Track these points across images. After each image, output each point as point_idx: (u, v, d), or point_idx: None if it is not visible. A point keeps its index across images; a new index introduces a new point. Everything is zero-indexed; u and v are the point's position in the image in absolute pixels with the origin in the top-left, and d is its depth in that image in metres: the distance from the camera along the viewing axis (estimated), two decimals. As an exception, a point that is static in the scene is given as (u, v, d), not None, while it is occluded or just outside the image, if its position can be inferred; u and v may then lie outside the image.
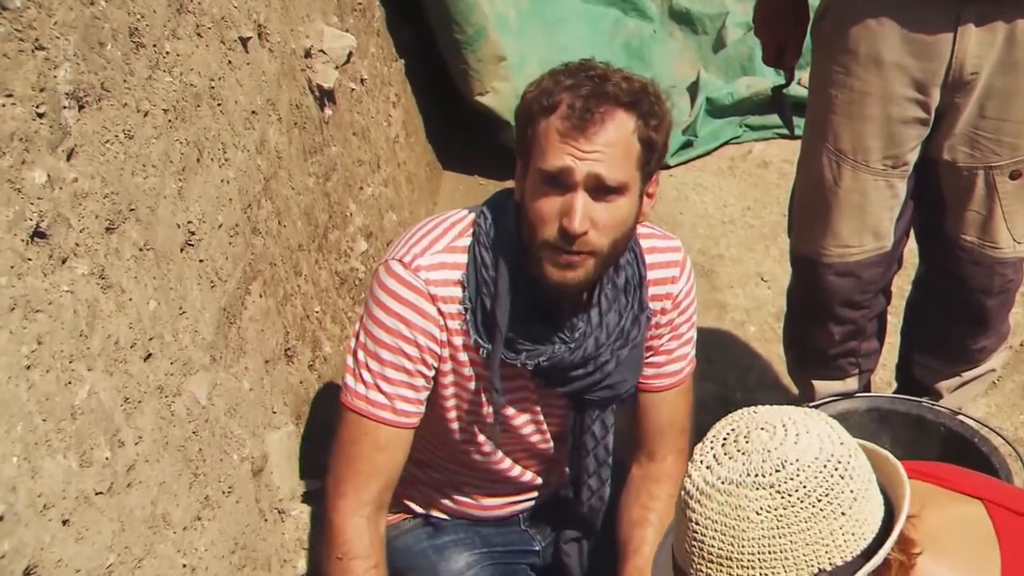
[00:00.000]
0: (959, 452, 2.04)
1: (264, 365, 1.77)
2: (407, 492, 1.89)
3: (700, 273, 3.23)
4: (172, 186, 1.45)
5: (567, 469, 1.84)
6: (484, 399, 1.69)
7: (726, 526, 1.07)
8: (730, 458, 1.09)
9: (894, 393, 2.41)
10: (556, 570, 1.92)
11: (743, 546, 1.07)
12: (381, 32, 3.12)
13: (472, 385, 1.69)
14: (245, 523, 1.60)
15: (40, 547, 1.07)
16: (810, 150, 2.08)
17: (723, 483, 1.08)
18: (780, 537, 1.06)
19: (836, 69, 1.96)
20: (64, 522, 1.11)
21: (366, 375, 1.63)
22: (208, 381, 1.50)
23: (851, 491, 1.08)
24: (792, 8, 2.08)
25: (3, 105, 1.05)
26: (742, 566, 1.07)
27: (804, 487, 1.06)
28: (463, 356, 1.66)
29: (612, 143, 1.50)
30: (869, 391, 2.40)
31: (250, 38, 1.84)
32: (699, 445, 1.14)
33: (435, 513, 1.91)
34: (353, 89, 2.67)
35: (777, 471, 1.07)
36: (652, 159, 1.56)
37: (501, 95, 3.43)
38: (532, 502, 1.93)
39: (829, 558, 1.07)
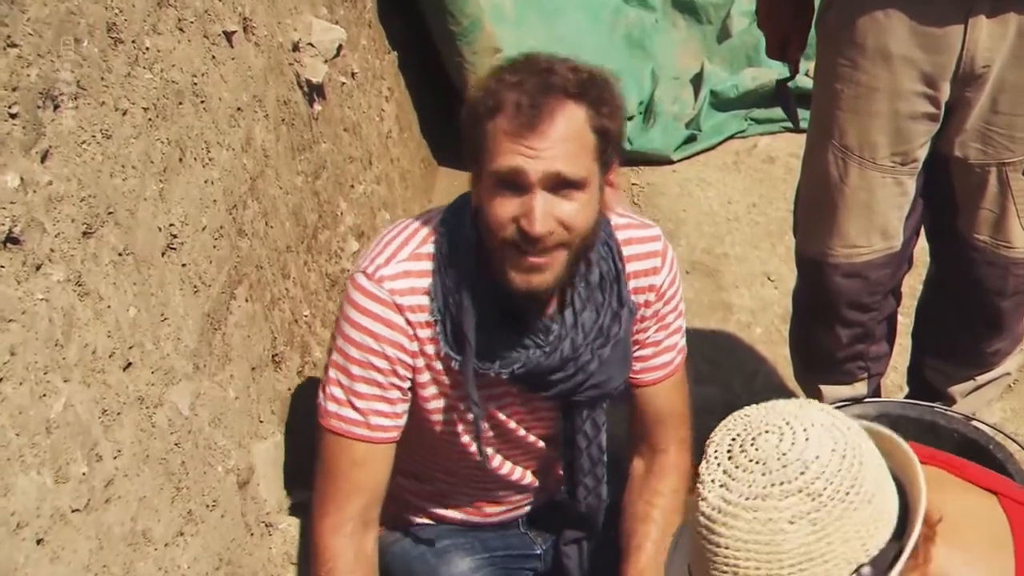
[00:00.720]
0: (973, 459, 2.03)
1: (250, 372, 1.76)
2: (403, 507, 1.89)
3: (704, 272, 3.23)
4: (153, 187, 1.44)
5: (561, 471, 1.84)
6: (465, 407, 1.69)
7: (760, 543, 1.06)
8: (744, 471, 1.08)
9: (905, 398, 2.40)
10: (557, 574, 1.92)
11: (782, 559, 1.05)
12: (373, 23, 3.12)
13: (453, 393, 1.69)
14: (230, 538, 1.59)
15: (14, 568, 1.06)
16: (815, 147, 2.07)
17: (747, 499, 1.06)
18: (818, 541, 1.05)
19: (842, 63, 1.95)
20: (38, 541, 1.10)
21: (338, 392, 1.64)
22: (191, 390, 1.50)
23: (872, 477, 1.08)
24: None
25: (-27, 106, 1.04)
26: None
27: (831, 484, 1.06)
28: (438, 365, 1.66)
29: (565, 137, 1.48)
30: (879, 396, 2.39)
31: (235, 32, 1.83)
32: (703, 464, 1.12)
33: (432, 522, 1.92)
34: (343, 83, 2.66)
35: (802, 474, 1.06)
36: (609, 148, 1.54)
37: (498, 88, 3.42)
38: (530, 505, 1.94)
39: (865, 549, 1.07)
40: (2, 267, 1.08)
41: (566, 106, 1.49)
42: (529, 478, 1.88)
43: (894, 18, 1.87)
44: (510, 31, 3.52)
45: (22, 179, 1.12)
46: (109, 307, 1.29)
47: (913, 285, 2.47)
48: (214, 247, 1.64)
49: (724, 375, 2.84)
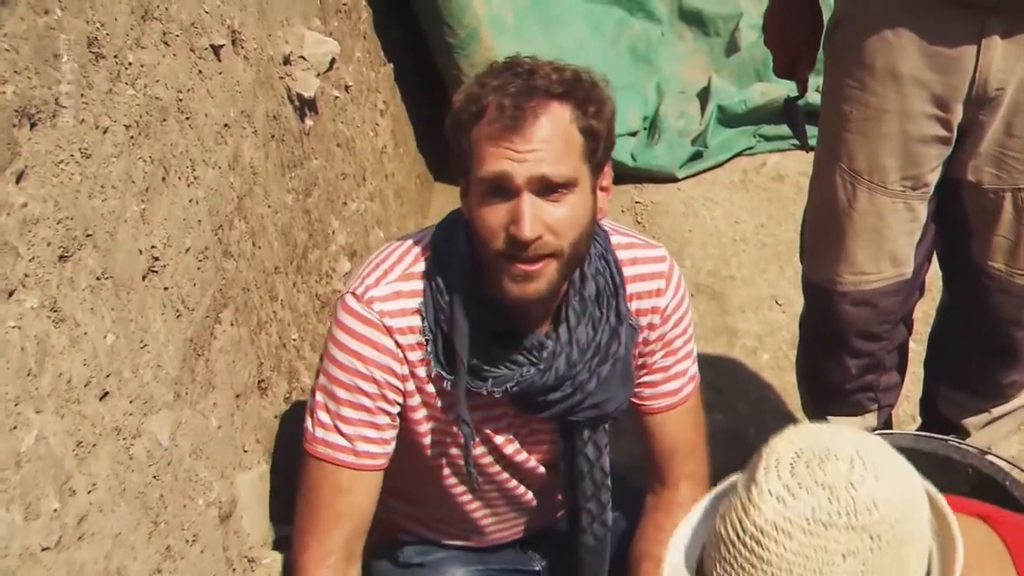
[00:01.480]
0: (988, 496, 2.02)
1: (235, 400, 1.75)
2: (392, 527, 1.89)
3: (709, 296, 3.22)
4: (134, 208, 1.44)
5: (560, 496, 1.84)
6: (458, 430, 1.69)
7: (808, 568, 1.07)
8: (807, 492, 1.08)
9: (918, 430, 2.39)
10: None
11: None
12: (368, 35, 3.12)
13: (445, 416, 1.69)
14: (211, 574, 1.58)
15: (-20, 608, 1.05)
16: (822, 170, 2.07)
17: (808, 522, 1.07)
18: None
19: (850, 83, 1.95)
20: (7, 581, 1.09)
21: (324, 416, 1.64)
22: (171, 420, 1.49)
23: (925, 530, 1.12)
24: (805, 16, 2.07)
25: (-55, 127, 1.04)
26: None
27: (894, 529, 1.07)
28: (430, 388, 1.66)
29: (550, 138, 1.49)
30: (890, 427, 2.38)
31: (223, 45, 1.83)
32: (760, 470, 1.12)
33: (423, 544, 1.92)
34: (337, 97, 2.66)
35: (869, 511, 1.07)
36: (598, 149, 1.54)
37: (497, 102, 3.42)
38: (531, 529, 1.94)
39: None
40: (-27, 294, 1.08)
41: (550, 106, 1.49)
42: (528, 503, 1.87)
43: (904, 38, 1.87)
44: (510, 42, 3.52)
45: (-5, 202, 1.11)
46: (85, 334, 1.28)
47: (927, 311, 2.47)
48: (198, 269, 1.64)
49: (729, 402, 2.84)
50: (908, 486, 1.12)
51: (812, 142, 2.19)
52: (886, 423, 2.37)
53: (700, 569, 1.18)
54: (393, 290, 1.62)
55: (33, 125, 1.20)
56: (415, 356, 1.63)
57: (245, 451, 1.78)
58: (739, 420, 2.80)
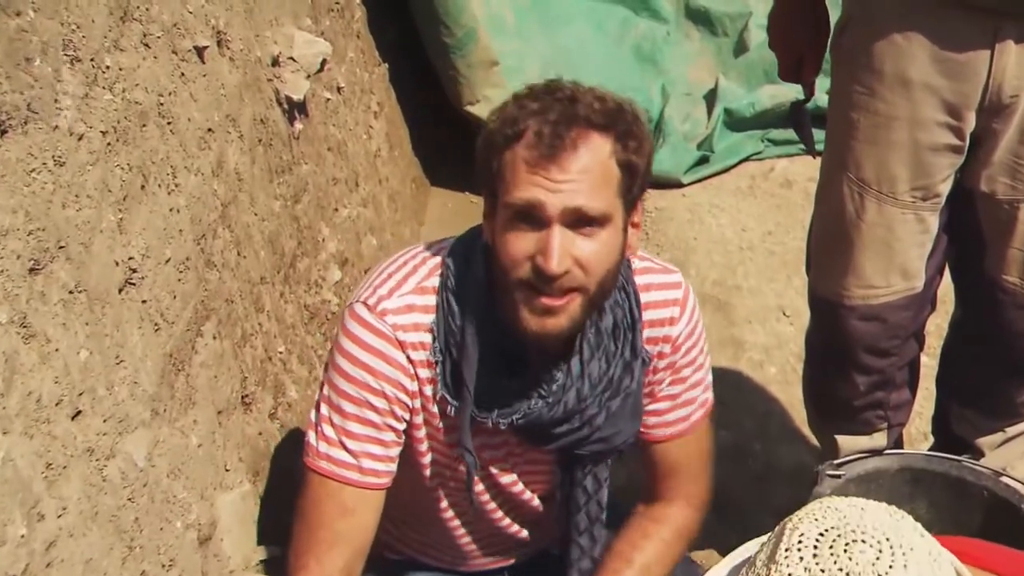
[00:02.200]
0: (1003, 519, 2.01)
1: (216, 416, 1.74)
2: (381, 546, 1.87)
3: (715, 306, 3.21)
4: (110, 218, 1.43)
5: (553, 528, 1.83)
6: (458, 456, 1.67)
7: None
8: None
9: (930, 449, 2.38)
10: None
11: None
12: (362, 34, 3.12)
13: (447, 439, 1.67)
14: (188, 599, 1.57)
15: (-59, 640, 1.04)
16: (829, 179, 2.06)
17: None
18: None
19: (858, 90, 1.94)
20: (-30, 610, 1.09)
21: (329, 431, 1.61)
22: (148, 439, 1.48)
23: None
24: (808, 17, 2.06)
25: (-93, 136, 1.03)
26: None
27: None
28: (434, 408, 1.64)
29: (588, 169, 1.47)
30: (901, 447, 2.37)
31: (207, 47, 1.83)
32: (782, 550, 1.10)
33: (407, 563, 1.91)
34: (328, 99, 2.66)
35: None
36: (635, 185, 1.53)
37: (494, 103, 3.40)
38: (522, 558, 1.92)
39: None
40: (-63, 310, 1.07)
41: (591, 137, 1.47)
42: (521, 533, 1.86)
43: (914, 42, 1.86)
44: (511, 41, 3.52)
45: (-38, 213, 1.10)
46: (57, 350, 1.27)
47: (940, 324, 2.45)
48: (179, 281, 1.63)
49: (734, 417, 2.82)
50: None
51: (820, 147, 2.18)
52: (897, 442, 2.35)
53: None
54: (406, 303, 1.60)
55: (3, 132, 1.19)
56: (425, 374, 1.61)
57: (227, 470, 1.77)
58: (744, 435, 2.79)
